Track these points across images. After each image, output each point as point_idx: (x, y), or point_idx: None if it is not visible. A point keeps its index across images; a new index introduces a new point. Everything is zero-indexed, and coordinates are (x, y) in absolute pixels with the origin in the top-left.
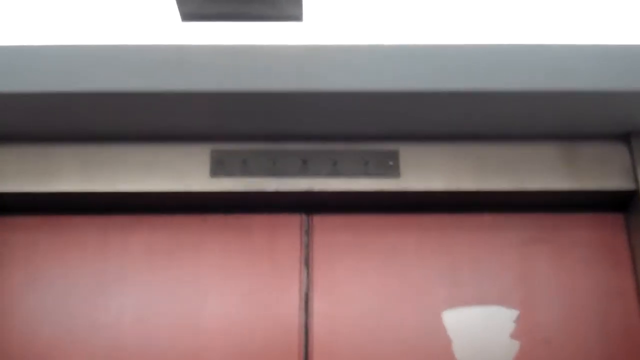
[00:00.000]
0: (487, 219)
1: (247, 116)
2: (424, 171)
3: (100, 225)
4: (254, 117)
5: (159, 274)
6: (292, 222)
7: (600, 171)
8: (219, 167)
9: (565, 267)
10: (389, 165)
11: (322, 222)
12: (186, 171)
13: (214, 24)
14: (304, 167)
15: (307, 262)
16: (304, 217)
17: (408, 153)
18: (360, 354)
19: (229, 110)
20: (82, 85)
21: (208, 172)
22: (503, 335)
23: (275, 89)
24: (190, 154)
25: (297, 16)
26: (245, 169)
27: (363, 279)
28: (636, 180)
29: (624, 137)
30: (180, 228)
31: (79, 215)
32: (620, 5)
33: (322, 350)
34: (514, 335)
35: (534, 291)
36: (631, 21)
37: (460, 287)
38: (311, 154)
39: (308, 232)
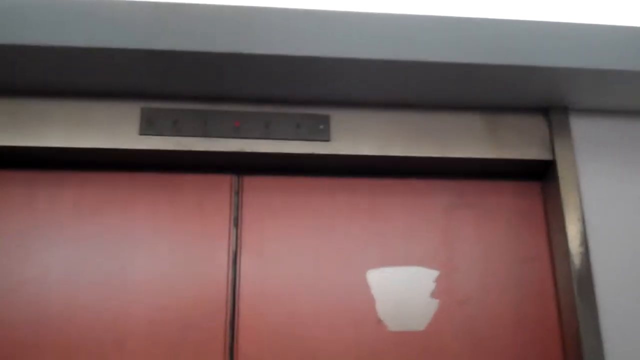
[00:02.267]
0: (414, 184)
1: (180, 76)
2: (354, 136)
3: (28, 180)
4: (187, 77)
5: (87, 230)
6: (223, 183)
7: (520, 142)
8: (148, 126)
9: (486, 232)
10: (320, 129)
11: (253, 184)
12: (116, 129)
13: None
14: (236, 128)
15: (237, 222)
16: (235, 177)
17: (339, 118)
18: (287, 312)
19: (161, 69)
20: (9, 38)
21: (137, 130)
22: (424, 295)
23: (209, 50)
24: (120, 112)
25: None
26: (176, 129)
27: (292, 240)
28: (553, 151)
29: (544, 111)
30: (109, 185)
31: (5, 170)
32: None
33: (249, 308)
34: (434, 295)
35: (455, 254)
36: None
37: (386, 248)
38: (243, 116)
39: (238, 193)
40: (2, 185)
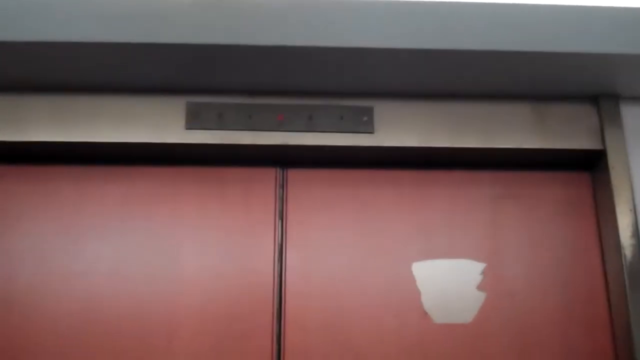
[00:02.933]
0: (459, 175)
1: (223, 69)
2: (397, 127)
3: (76, 175)
4: (230, 71)
5: (135, 225)
6: (267, 176)
7: (569, 131)
8: (194, 120)
9: (533, 224)
10: (364, 121)
11: (297, 176)
12: (162, 123)
13: None
14: (280, 122)
15: (282, 216)
16: (279, 170)
17: (383, 109)
18: (333, 305)
19: (206, 63)
20: (57, 35)
21: (183, 125)
22: (470, 287)
23: (252, 43)
24: (165, 106)
25: None
26: (221, 122)
27: (336, 233)
28: (603, 140)
29: (593, 99)
30: (156, 180)
31: (54, 166)
32: None
33: (295, 301)
34: (480, 287)
35: (501, 246)
36: None
37: (431, 240)
38: (287, 109)
39: (283, 186)
40: (53, 180)
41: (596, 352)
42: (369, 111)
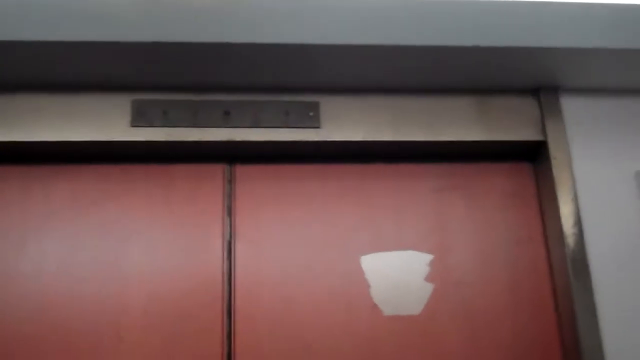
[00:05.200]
0: (405, 168)
1: (168, 67)
2: (344, 122)
3: (23, 175)
4: (175, 68)
5: (81, 223)
6: (215, 172)
7: (511, 123)
8: (139, 117)
9: (478, 214)
10: (310, 116)
11: (245, 172)
12: (107, 121)
13: None
14: (226, 118)
15: (230, 211)
16: (227, 167)
17: (328, 105)
18: (283, 299)
19: (150, 60)
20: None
21: (129, 122)
22: (418, 279)
23: (196, 40)
24: (110, 104)
25: None
26: (167, 119)
27: (285, 228)
28: (544, 132)
29: (534, 92)
30: (103, 178)
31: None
32: None
33: (245, 296)
34: (428, 278)
35: (448, 237)
36: None
37: (378, 233)
38: (233, 105)
39: (231, 182)
40: None
41: (542, 337)
42: (315, 106)
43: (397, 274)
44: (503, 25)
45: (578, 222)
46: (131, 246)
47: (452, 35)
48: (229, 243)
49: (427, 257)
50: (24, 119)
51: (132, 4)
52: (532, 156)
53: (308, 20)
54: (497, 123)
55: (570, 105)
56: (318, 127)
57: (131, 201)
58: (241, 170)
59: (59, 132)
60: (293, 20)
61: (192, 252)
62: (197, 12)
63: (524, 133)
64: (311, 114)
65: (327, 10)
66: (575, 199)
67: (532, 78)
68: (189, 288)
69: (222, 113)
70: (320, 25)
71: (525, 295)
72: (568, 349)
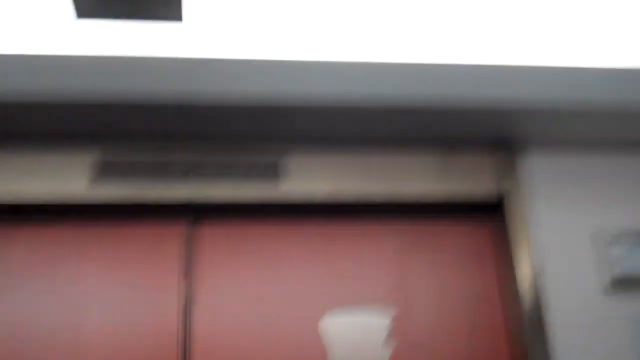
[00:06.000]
0: (366, 226)
1: (129, 125)
2: (306, 179)
3: None
4: (136, 126)
5: (37, 284)
6: (174, 231)
7: (469, 180)
8: (99, 175)
9: (438, 273)
10: (271, 175)
11: (204, 231)
12: (66, 179)
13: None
14: (187, 177)
15: (188, 272)
16: (186, 224)
17: (290, 163)
18: None
19: (111, 119)
20: None
21: (88, 180)
22: (377, 339)
23: (158, 100)
24: (70, 162)
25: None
26: (126, 178)
27: (244, 288)
28: (502, 189)
29: (493, 149)
30: (60, 237)
31: None
32: (491, 26)
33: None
34: (387, 339)
35: (409, 296)
36: (494, 41)
37: (339, 293)
38: (194, 164)
39: (189, 241)
40: None
41: None
42: (276, 165)
43: (356, 334)
44: (462, 85)
45: (535, 281)
46: (87, 307)
47: (412, 96)
48: (185, 306)
49: (387, 318)
50: None
51: (92, 65)
52: (491, 213)
53: (269, 80)
54: (457, 180)
55: (529, 163)
56: (279, 185)
57: (88, 262)
58: (200, 229)
59: (15, 189)
60: (254, 80)
61: (147, 314)
62: (159, 72)
63: (482, 189)
64: (272, 172)
65: (289, 70)
66: (533, 256)
67: (491, 135)
68: (144, 350)
69: (183, 172)
70: (282, 85)
71: (482, 355)
72: None
